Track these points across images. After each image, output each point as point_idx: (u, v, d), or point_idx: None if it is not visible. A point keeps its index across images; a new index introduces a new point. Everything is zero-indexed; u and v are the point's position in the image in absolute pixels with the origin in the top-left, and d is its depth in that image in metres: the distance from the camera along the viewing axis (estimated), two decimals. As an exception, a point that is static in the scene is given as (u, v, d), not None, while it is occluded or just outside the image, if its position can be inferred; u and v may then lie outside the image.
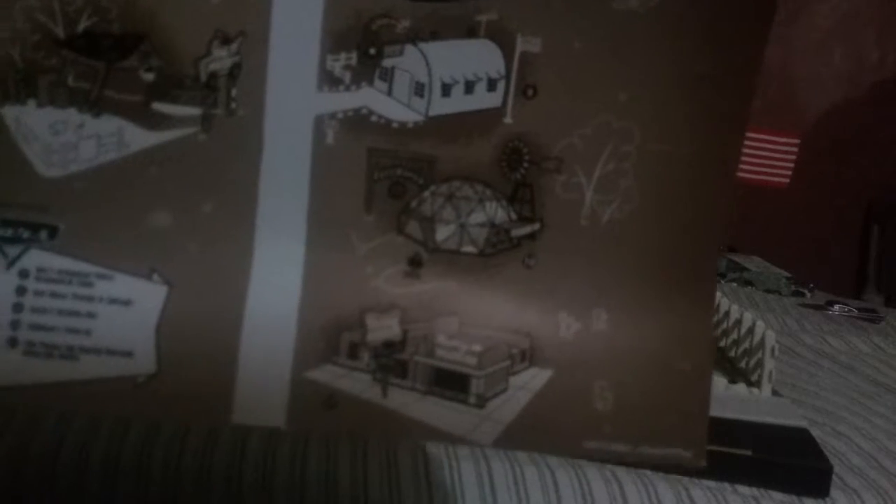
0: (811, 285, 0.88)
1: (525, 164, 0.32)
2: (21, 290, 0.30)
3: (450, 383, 0.30)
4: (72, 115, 0.30)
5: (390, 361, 0.30)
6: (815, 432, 0.47)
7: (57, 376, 0.29)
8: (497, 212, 0.32)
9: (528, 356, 0.31)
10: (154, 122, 0.30)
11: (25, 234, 0.30)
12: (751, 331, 0.53)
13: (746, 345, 0.53)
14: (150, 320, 0.30)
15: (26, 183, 0.30)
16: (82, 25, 0.29)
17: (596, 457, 0.31)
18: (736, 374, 0.53)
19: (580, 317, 0.32)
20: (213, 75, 0.30)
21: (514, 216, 0.32)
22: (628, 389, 0.31)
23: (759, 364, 0.50)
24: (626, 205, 0.32)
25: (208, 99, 0.30)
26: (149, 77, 0.30)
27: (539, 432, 0.31)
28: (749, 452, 0.41)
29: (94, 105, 0.30)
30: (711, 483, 0.41)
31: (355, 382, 0.30)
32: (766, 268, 0.93)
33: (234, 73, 0.30)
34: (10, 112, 0.30)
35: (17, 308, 0.30)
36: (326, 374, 0.30)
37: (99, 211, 0.30)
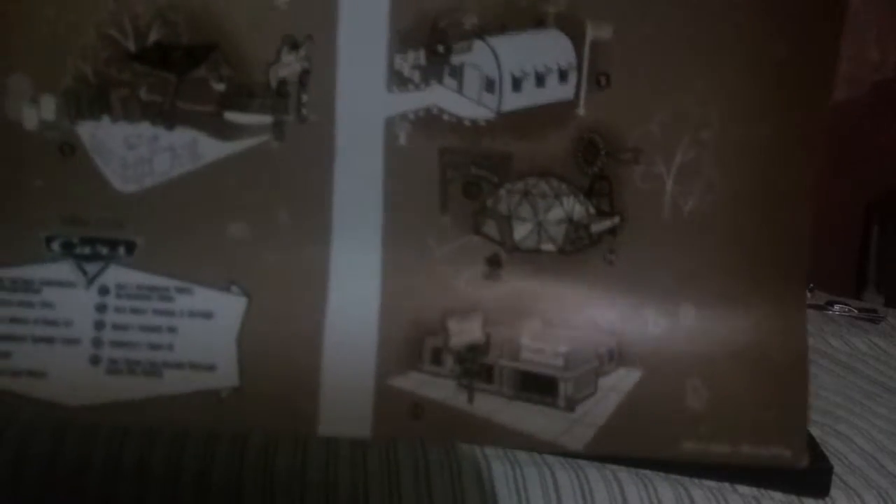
0: (811, 285, 0.87)
1: (601, 157, 0.31)
2: (101, 308, 0.30)
3: (537, 387, 0.30)
4: (145, 128, 0.30)
5: (475, 366, 0.30)
6: (815, 432, 0.47)
7: (141, 393, 0.29)
8: (575, 207, 0.31)
9: (616, 356, 0.30)
10: (227, 131, 0.30)
11: (104, 251, 0.30)
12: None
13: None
14: (230, 333, 0.30)
15: (103, 199, 0.30)
16: (152, 38, 0.29)
17: (694, 459, 0.29)
18: None
19: (667, 313, 0.31)
20: (282, 82, 0.30)
21: (592, 211, 0.31)
22: (723, 387, 0.30)
23: None
24: (708, 194, 0.31)
25: (279, 106, 0.30)
26: (220, 87, 0.30)
27: (632, 435, 0.30)
28: None
29: (167, 117, 0.30)
30: (711, 483, 0.40)
31: (440, 389, 0.30)
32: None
33: (303, 78, 0.30)
34: (85, 128, 0.30)
35: (99, 326, 0.30)
36: (411, 382, 0.30)
37: (176, 224, 0.30)
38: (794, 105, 0.30)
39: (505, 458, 0.40)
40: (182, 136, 0.30)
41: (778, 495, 0.40)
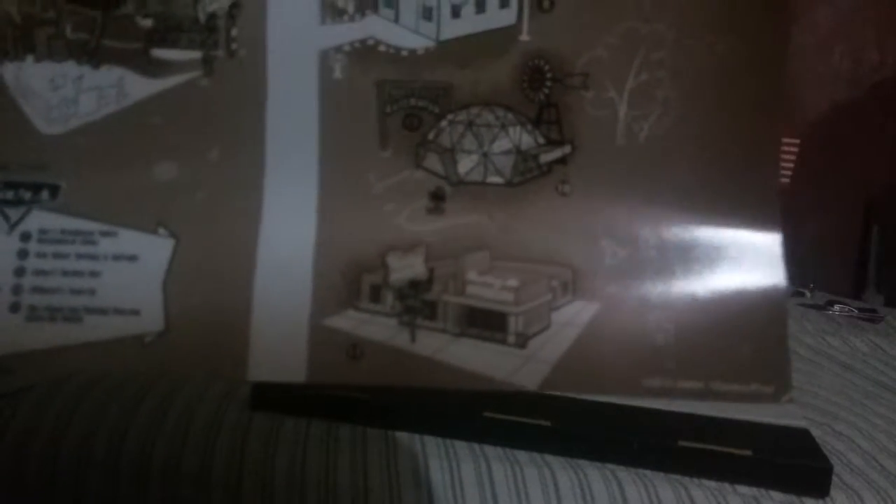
0: (811, 285, 0.85)
1: (548, 83, 0.29)
2: (23, 254, 0.28)
3: (485, 322, 0.27)
4: (71, 68, 0.29)
5: (417, 303, 0.27)
6: (815, 432, 0.45)
7: (62, 340, 0.27)
8: (522, 137, 0.29)
9: (572, 289, 0.28)
10: (154, 69, 0.29)
11: (27, 196, 0.28)
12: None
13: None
14: (156, 276, 0.28)
15: (26, 142, 0.29)
16: (77, -25, 0.28)
17: (661, 395, 0.27)
18: None
19: (626, 243, 0.28)
20: (211, 16, 0.29)
21: (541, 140, 0.29)
22: (690, 319, 0.27)
23: None
24: (665, 117, 0.29)
25: (208, 41, 0.29)
26: (146, 23, 0.29)
27: (591, 372, 0.27)
28: (749, 452, 0.40)
29: (93, 56, 0.29)
30: (711, 483, 0.39)
31: (380, 328, 0.27)
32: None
33: (233, 12, 0.29)
34: (9, 70, 0.29)
35: (19, 272, 0.28)
36: (348, 321, 0.27)
37: (101, 166, 0.29)
38: (751, 18, 0.28)
39: (505, 459, 0.38)
40: (108, 74, 0.29)
41: (778, 495, 0.39)
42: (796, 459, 0.41)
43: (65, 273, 0.28)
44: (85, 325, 0.27)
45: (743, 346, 0.27)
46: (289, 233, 0.28)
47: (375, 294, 0.28)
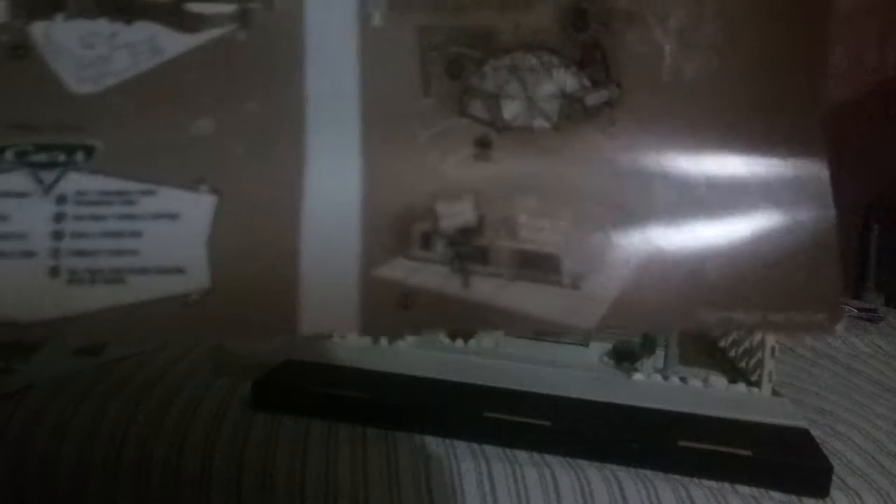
0: None
1: (592, 24, 0.28)
2: (60, 217, 0.27)
3: (538, 265, 0.27)
4: (102, 25, 0.28)
5: (469, 248, 0.27)
6: (815, 432, 0.47)
7: (104, 302, 0.27)
8: (567, 80, 0.28)
9: (623, 228, 0.27)
10: (189, 23, 0.28)
11: (61, 158, 0.28)
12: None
13: (746, 345, 0.52)
14: (200, 233, 0.27)
15: (58, 103, 0.28)
16: (106, -71, 0.28)
17: (718, 327, 0.26)
18: (736, 374, 0.52)
19: (675, 181, 0.28)
20: (245, -34, 0.28)
21: (586, 83, 0.28)
22: (744, 253, 0.27)
23: (759, 364, 0.49)
24: (710, 53, 0.28)
25: (243, -7, 0.28)
26: (179, -24, 0.28)
27: (646, 309, 0.26)
28: (749, 452, 0.42)
29: (125, 12, 0.28)
30: (711, 483, 0.39)
31: (432, 275, 0.27)
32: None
33: (267, -38, 0.28)
34: (38, 28, 0.28)
35: (57, 236, 0.27)
36: (399, 270, 0.27)
37: (137, 125, 0.28)
38: None
39: (505, 458, 0.39)
40: (141, 30, 0.28)
41: (778, 495, 0.40)
42: (796, 459, 0.41)
43: (104, 234, 0.27)
44: (128, 286, 0.27)
45: (796, 275, 0.27)
46: (333, 184, 0.28)
47: (426, 241, 0.27)
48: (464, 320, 0.26)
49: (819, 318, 0.26)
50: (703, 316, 0.26)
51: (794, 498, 0.40)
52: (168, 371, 0.50)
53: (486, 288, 0.26)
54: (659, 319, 0.27)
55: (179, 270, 0.27)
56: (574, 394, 0.48)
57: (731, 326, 0.26)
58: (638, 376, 0.51)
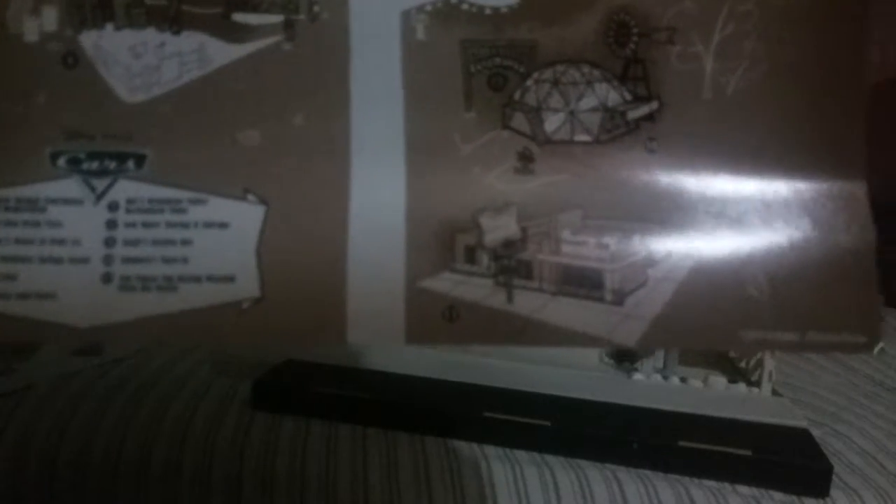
0: None
1: (634, 38, 0.29)
2: (112, 224, 0.28)
3: (582, 281, 0.27)
4: (151, 35, 0.28)
5: (512, 262, 0.27)
6: (815, 432, 0.46)
7: (156, 309, 0.27)
8: (609, 94, 0.29)
9: (665, 245, 0.28)
10: (236, 34, 0.28)
11: (112, 166, 0.28)
12: (751, 330, 0.50)
13: (746, 345, 0.52)
14: (249, 242, 0.28)
15: (109, 111, 0.28)
16: (155, -61, 0.28)
17: (759, 347, 0.27)
18: (736, 373, 0.52)
19: (715, 198, 0.28)
20: (292, -22, 0.28)
21: (628, 97, 0.29)
22: (784, 272, 0.27)
23: (759, 364, 0.49)
24: (752, 71, 0.28)
25: (290, 4, 0.28)
26: (227, -13, 0.28)
27: (688, 326, 0.27)
28: (749, 452, 0.41)
29: (174, 22, 0.28)
30: (711, 483, 0.39)
31: (476, 288, 0.27)
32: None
33: (314, -27, 0.28)
34: (88, 38, 0.28)
35: (109, 242, 0.28)
36: (444, 283, 0.27)
37: (186, 134, 0.28)
38: None
39: (505, 458, 0.39)
40: (189, 40, 0.28)
41: (778, 495, 0.40)
42: (796, 459, 0.41)
43: (155, 242, 0.28)
44: (180, 294, 0.27)
45: (836, 296, 0.27)
46: (379, 197, 0.28)
47: (470, 255, 0.28)
48: (507, 335, 0.27)
49: (858, 339, 0.27)
50: (744, 335, 0.27)
51: (794, 498, 0.40)
52: (168, 371, 0.50)
53: (529, 303, 0.27)
54: (700, 337, 0.27)
55: (230, 279, 0.27)
56: (574, 394, 0.48)
57: (771, 346, 0.27)
58: (638, 376, 0.50)
